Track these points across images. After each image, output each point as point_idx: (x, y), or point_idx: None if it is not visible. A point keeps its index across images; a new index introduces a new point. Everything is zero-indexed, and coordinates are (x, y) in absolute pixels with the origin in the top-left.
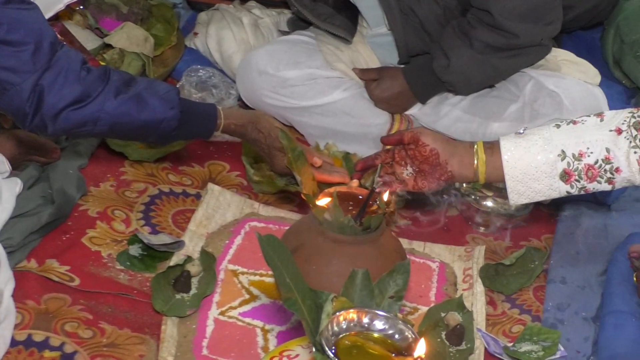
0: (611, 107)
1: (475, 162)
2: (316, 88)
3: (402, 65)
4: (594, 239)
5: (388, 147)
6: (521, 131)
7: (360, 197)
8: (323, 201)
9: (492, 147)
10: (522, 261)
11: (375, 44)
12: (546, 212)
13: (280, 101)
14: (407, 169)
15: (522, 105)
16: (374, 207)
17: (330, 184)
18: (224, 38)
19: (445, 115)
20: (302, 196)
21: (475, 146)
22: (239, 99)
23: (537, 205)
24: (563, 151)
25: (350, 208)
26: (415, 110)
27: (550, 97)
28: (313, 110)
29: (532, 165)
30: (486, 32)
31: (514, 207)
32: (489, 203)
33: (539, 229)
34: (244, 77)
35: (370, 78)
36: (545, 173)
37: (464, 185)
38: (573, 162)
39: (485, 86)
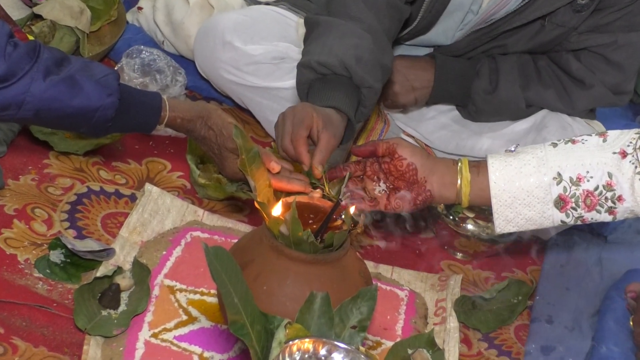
0: (615, 124)
1: (459, 181)
2: (284, 68)
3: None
4: (587, 273)
5: (359, 158)
6: (512, 149)
7: (323, 209)
8: (279, 211)
9: (479, 165)
10: (503, 295)
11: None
12: (534, 240)
13: (241, 78)
14: (379, 185)
15: (529, 127)
16: (338, 222)
17: (288, 193)
18: (174, 6)
19: (431, 119)
20: (255, 204)
21: (460, 164)
22: (187, 88)
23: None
24: (559, 174)
25: (310, 222)
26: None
27: (563, 129)
28: (277, 93)
29: (523, 189)
30: (584, 96)
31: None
32: (469, 226)
33: (525, 259)
34: (203, 45)
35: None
36: (537, 198)
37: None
38: (570, 187)
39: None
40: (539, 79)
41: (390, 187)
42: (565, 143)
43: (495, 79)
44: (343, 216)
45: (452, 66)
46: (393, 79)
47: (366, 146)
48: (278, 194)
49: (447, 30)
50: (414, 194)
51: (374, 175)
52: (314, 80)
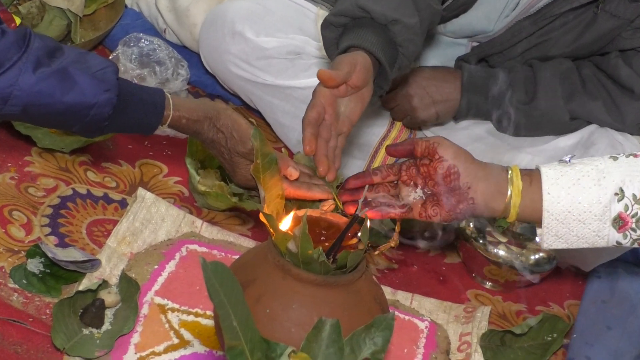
0: None
1: (509, 191)
2: (300, 65)
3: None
4: (631, 311)
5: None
6: (567, 159)
7: (337, 225)
8: (287, 226)
9: (531, 174)
10: (536, 331)
11: (440, 41)
12: (573, 271)
13: (251, 74)
14: (416, 192)
15: (575, 144)
16: (353, 240)
17: (300, 205)
18: None
19: (464, 129)
20: (261, 217)
21: (510, 171)
22: (189, 82)
23: (562, 261)
24: (622, 189)
25: (322, 238)
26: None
27: (613, 148)
28: (290, 92)
29: (579, 203)
30: (634, 108)
31: (534, 260)
32: (501, 251)
33: (562, 292)
34: (210, 35)
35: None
36: (594, 215)
37: (471, 224)
38: (632, 206)
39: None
40: (584, 89)
41: (428, 193)
42: (627, 157)
43: (533, 89)
44: (360, 234)
45: (480, 75)
46: (410, 91)
47: (403, 145)
48: (289, 207)
49: (490, 12)
50: (455, 201)
51: (410, 181)
52: (337, 37)
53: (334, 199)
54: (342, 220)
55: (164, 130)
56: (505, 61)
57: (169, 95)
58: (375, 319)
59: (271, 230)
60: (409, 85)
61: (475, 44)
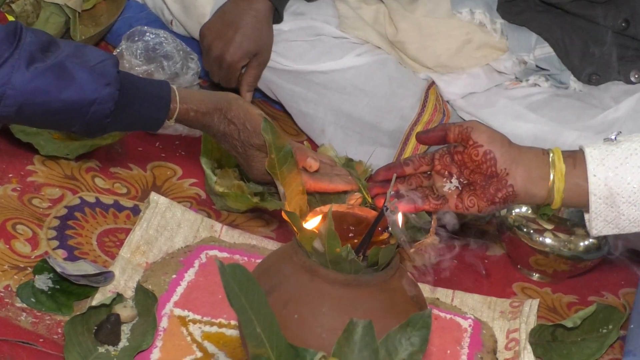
0: None
1: (552, 175)
2: (320, 48)
3: None
4: None
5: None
6: (613, 137)
7: (365, 219)
8: (313, 224)
9: (574, 156)
10: (590, 324)
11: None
12: (628, 256)
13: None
14: (451, 182)
15: (623, 116)
16: (384, 234)
17: (327, 198)
18: None
19: (503, 108)
20: (283, 215)
21: (551, 154)
22: (201, 76)
23: (615, 246)
24: None
25: (350, 235)
26: (457, 94)
27: None
28: (312, 78)
29: (628, 184)
30: None
31: (583, 247)
32: (548, 240)
33: (616, 280)
34: None
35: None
36: None
37: (514, 212)
38: None
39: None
40: None
41: (465, 182)
42: None
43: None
44: (390, 228)
45: None
46: None
47: (435, 131)
48: (313, 203)
49: None
50: (493, 189)
51: (445, 170)
52: None
53: (361, 191)
54: (371, 215)
55: (174, 127)
56: None
57: (175, 88)
58: (411, 317)
59: (295, 229)
60: None
61: None
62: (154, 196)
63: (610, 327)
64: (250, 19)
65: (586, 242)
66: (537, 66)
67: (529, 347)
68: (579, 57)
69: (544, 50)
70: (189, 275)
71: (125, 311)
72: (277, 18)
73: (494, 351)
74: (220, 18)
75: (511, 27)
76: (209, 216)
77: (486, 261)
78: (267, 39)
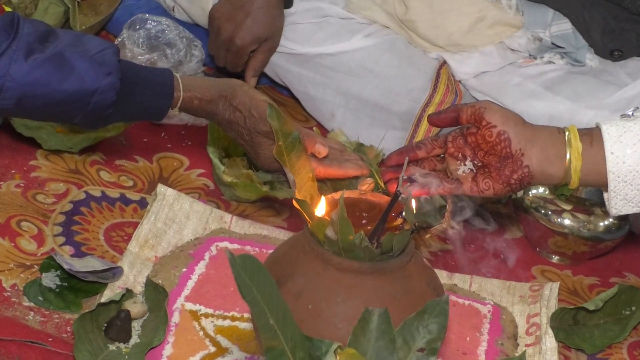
0: None
1: (568, 154)
2: (328, 29)
3: None
4: None
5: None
6: (630, 113)
7: (378, 205)
8: (324, 211)
9: (591, 134)
10: (612, 306)
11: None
12: None
13: None
14: (465, 164)
15: (639, 94)
16: (398, 220)
17: (339, 184)
18: None
19: (516, 86)
20: (294, 203)
21: (567, 132)
22: (205, 64)
23: (637, 225)
24: None
25: (363, 222)
26: (470, 74)
27: None
28: (319, 60)
29: None
30: None
31: (603, 227)
32: (567, 221)
33: (638, 260)
34: None
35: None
36: None
37: (531, 193)
38: None
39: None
40: None
41: (479, 164)
42: None
43: None
44: (404, 213)
45: None
46: None
47: (447, 112)
48: (324, 190)
49: None
50: (508, 171)
51: (458, 153)
52: None
53: (374, 177)
54: (384, 200)
55: (179, 117)
56: None
57: (178, 75)
58: (428, 304)
59: (306, 217)
60: None
61: None
62: (161, 188)
63: (634, 308)
64: (262, 2)
65: (606, 222)
66: (552, 43)
67: (550, 331)
68: (600, 32)
69: (561, 27)
70: (200, 268)
71: (135, 307)
72: (288, 2)
73: (515, 337)
74: (230, 1)
75: (527, 3)
76: (218, 207)
77: (504, 245)
78: (277, 24)
